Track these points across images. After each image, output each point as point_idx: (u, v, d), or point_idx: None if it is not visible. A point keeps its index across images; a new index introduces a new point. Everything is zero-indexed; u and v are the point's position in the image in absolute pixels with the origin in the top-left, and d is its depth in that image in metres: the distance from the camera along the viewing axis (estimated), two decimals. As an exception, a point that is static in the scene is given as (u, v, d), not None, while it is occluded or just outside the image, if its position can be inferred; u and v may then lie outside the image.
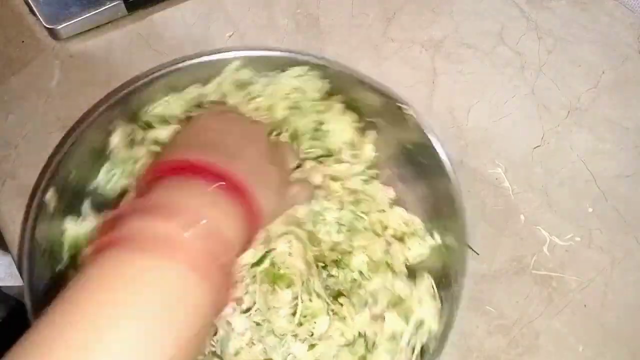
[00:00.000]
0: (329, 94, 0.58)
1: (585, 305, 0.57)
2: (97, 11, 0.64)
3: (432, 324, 0.51)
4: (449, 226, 0.54)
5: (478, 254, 0.58)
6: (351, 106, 0.59)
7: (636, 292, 0.58)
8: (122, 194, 0.55)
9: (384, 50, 0.68)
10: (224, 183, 0.39)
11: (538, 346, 0.55)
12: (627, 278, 0.58)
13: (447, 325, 0.49)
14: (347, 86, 0.58)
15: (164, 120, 0.56)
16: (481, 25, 0.70)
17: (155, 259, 0.34)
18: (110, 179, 0.55)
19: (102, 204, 0.54)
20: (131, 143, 0.55)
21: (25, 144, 0.61)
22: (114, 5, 0.65)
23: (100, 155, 0.55)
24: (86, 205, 0.53)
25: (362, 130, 0.59)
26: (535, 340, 0.56)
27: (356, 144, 0.58)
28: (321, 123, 0.58)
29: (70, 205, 0.52)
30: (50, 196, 0.50)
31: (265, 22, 0.69)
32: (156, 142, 0.54)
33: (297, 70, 0.57)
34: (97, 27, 0.66)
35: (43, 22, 0.63)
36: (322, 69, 0.57)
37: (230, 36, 0.67)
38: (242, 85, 0.58)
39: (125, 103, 0.54)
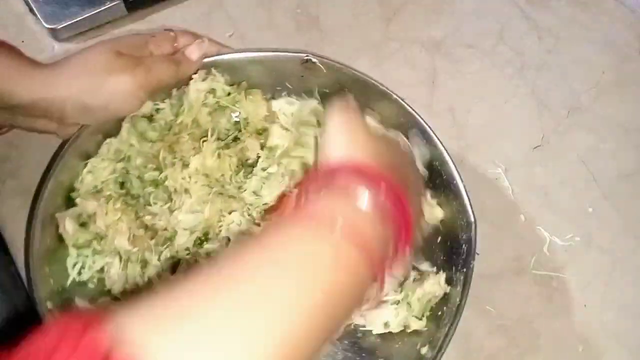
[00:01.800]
0: (235, 83, 0.58)
1: (585, 305, 0.57)
2: (97, 11, 0.64)
3: None
4: None
5: (478, 254, 0.58)
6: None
7: (636, 292, 0.58)
8: (101, 287, 0.51)
9: (384, 50, 0.68)
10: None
11: (538, 346, 0.55)
12: (627, 278, 0.58)
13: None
14: (241, 66, 0.58)
15: (97, 191, 0.53)
16: (481, 25, 0.70)
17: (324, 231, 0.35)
18: (79, 270, 0.51)
19: (92, 292, 0.51)
20: (83, 224, 0.52)
21: (25, 144, 0.61)
22: (113, 5, 0.65)
23: (60, 246, 0.51)
24: (79, 301, 0.50)
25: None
26: (536, 340, 0.56)
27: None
28: (236, 113, 0.58)
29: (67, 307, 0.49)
30: (50, 307, 0.47)
31: (265, 22, 0.69)
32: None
33: (199, 75, 0.56)
34: (97, 26, 0.66)
35: (43, 22, 0.63)
36: (215, 64, 0.57)
37: (230, 36, 0.67)
38: (150, 117, 0.56)
39: (52, 191, 0.51)
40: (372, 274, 0.36)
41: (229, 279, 0.31)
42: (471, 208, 0.51)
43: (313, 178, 0.40)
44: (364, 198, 0.37)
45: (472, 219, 0.51)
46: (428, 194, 0.55)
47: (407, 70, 0.67)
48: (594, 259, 0.59)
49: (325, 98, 0.58)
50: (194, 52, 0.55)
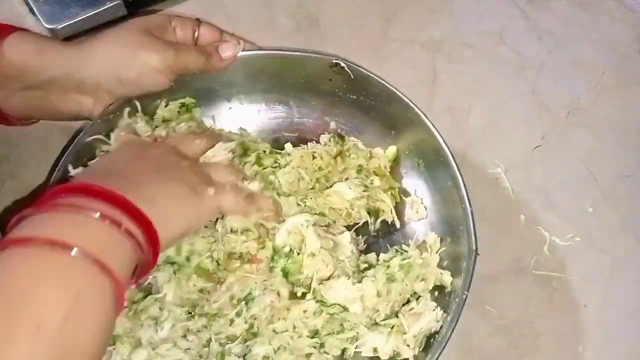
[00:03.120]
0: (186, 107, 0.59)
1: (585, 305, 0.57)
2: (97, 11, 0.64)
3: None
4: None
5: (478, 254, 0.58)
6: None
7: (636, 292, 0.58)
8: None
9: (384, 50, 0.68)
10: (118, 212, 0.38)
11: (538, 346, 0.55)
12: (627, 278, 0.58)
13: None
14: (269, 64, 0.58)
15: None
16: (481, 25, 0.70)
17: (53, 252, 0.33)
18: None
19: None
20: None
21: (25, 144, 0.61)
22: (113, 5, 0.64)
23: None
24: None
25: None
26: (536, 340, 0.56)
27: None
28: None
29: None
30: None
31: (265, 22, 0.69)
32: None
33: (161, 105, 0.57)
34: (97, 26, 0.66)
35: (43, 22, 0.63)
36: (244, 60, 0.57)
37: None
38: None
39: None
40: (115, 294, 0.35)
41: None
42: (475, 239, 0.50)
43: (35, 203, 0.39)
44: (94, 214, 0.36)
45: (474, 248, 0.50)
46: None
47: (407, 70, 0.67)
48: (594, 259, 0.59)
49: (350, 104, 0.59)
50: (227, 50, 0.55)
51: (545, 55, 0.68)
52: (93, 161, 0.51)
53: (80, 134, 0.52)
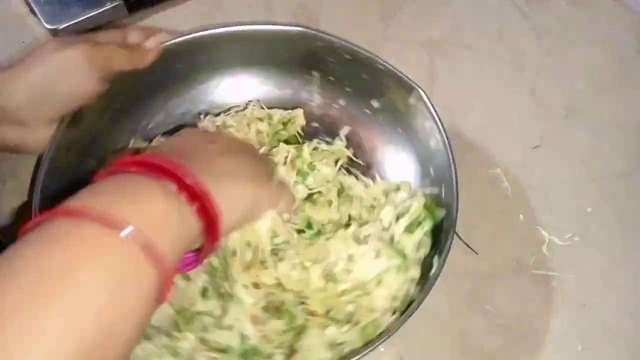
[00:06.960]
0: None
1: (584, 305, 0.57)
2: (97, 12, 0.64)
3: None
4: None
5: (477, 254, 0.58)
6: None
7: (635, 292, 0.58)
8: None
9: (383, 50, 0.68)
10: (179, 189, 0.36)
11: (538, 346, 0.55)
12: (626, 277, 0.58)
13: None
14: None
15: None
16: (481, 25, 0.70)
17: (102, 230, 0.30)
18: None
19: None
20: None
21: (25, 144, 0.61)
22: (114, 5, 0.65)
23: None
24: None
25: None
26: (535, 339, 0.56)
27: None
28: None
29: None
30: None
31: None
32: None
33: None
34: (98, 27, 0.66)
35: (44, 23, 0.64)
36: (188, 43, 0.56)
37: (230, 36, 0.67)
38: None
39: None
40: (161, 283, 0.32)
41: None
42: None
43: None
44: (153, 194, 0.34)
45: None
46: None
47: (406, 70, 0.67)
48: (593, 259, 0.59)
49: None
50: (150, 41, 0.53)
51: (545, 55, 0.68)
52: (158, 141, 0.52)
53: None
